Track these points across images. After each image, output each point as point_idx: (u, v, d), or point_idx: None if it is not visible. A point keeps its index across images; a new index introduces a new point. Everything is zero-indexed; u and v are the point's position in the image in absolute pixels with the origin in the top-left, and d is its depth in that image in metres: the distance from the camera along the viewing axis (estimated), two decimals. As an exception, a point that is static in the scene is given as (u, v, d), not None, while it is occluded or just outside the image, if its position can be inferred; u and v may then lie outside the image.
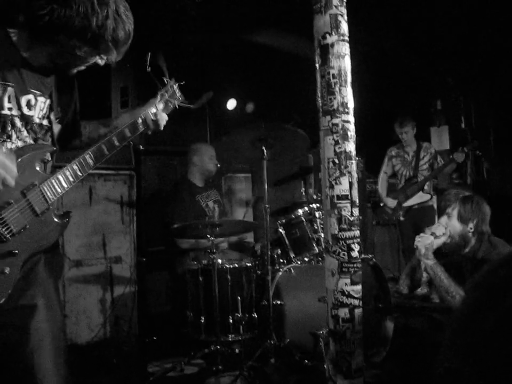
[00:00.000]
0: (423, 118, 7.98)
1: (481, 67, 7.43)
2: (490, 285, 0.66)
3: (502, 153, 7.94)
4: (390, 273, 6.98)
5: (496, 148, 8.03)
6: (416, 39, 6.67)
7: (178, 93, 2.60)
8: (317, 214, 4.23)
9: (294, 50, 6.49)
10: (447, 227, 3.37)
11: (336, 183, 2.38)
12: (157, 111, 2.46)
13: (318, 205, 4.24)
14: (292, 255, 4.30)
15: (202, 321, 3.89)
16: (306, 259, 4.27)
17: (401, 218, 6.24)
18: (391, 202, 6.20)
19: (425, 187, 6.08)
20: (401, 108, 7.49)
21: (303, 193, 4.71)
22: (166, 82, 2.60)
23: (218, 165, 4.81)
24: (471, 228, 3.30)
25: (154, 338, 4.60)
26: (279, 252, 4.32)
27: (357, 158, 6.24)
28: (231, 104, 7.22)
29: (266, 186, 3.87)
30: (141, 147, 4.83)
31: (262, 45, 6.52)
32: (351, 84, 2.53)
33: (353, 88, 2.51)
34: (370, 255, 4.12)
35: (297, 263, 4.24)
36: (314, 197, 4.50)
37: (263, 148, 3.89)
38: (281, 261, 4.29)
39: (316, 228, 4.23)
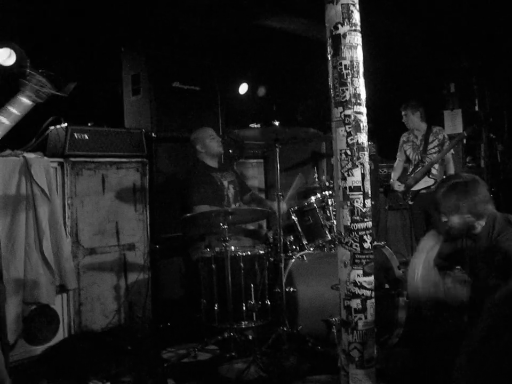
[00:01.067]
0: (436, 102, 7.92)
1: (495, 49, 7.33)
2: (503, 311, 0.67)
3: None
4: (403, 257, 6.98)
5: (510, 130, 7.95)
6: (429, 23, 6.59)
7: (43, 81, 2.65)
8: (329, 202, 4.24)
9: (307, 35, 6.44)
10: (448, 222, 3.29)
11: (348, 175, 2.38)
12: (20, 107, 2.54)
13: (331, 192, 4.24)
14: (305, 242, 4.32)
15: (216, 308, 3.91)
16: (319, 246, 4.29)
17: (410, 202, 6.23)
18: (398, 186, 6.19)
19: (434, 171, 6.03)
20: (413, 91, 7.42)
21: (316, 180, 4.70)
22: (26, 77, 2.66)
23: (222, 140, 4.77)
24: (468, 216, 3.16)
25: (169, 324, 4.64)
26: (292, 238, 4.33)
27: (370, 143, 6.25)
28: (243, 88, 7.22)
29: (278, 174, 3.86)
30: (153, 134, 4.84)
31: (274, 29, 6.48)
32: (364, 73, 2.52)
33: (366, 73, 2.50)
34: (383, 242, 4.11)
35: (309, 250, 4.26)
36: (327, 183, 4.50)
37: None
38: (294, 247, 4.31)
39: (329, 215, 4.24)
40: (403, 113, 6.24)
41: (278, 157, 3.89)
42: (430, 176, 6.02)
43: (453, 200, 3.16)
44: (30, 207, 3.82)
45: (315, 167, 4.81)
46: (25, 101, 2.53)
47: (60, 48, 5.56)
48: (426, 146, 6.11)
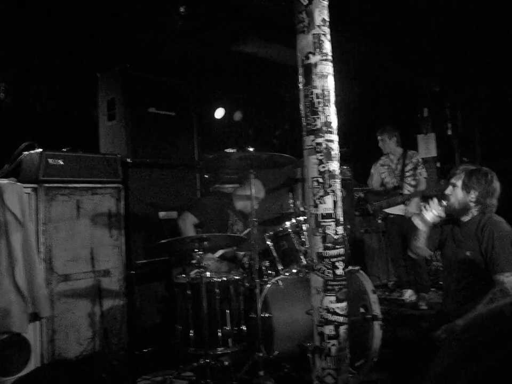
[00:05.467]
0: (410, 126, 8.06)
1: (466, 74, 7.50)
2: (466, 344, 0.68)
3: (489, 159, 8.02)
4: (379, 280, 7.02)
5: (482, 154, 8.10)
6: (401, 49, 6.72)
7: None
8: (304, 227, 4.26)
9: (283, 61, 6.53)
10: (451, 195, 3.41)
11: (320, 202, 2.40)
12: None
13: (305, 217, 4.26)
14: (280, 267, 4.33)
15: (191, 334, 3.88)
16: (294, 271, 4.30)
17: (379, 221, 6.33)
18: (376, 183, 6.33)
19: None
20: (388, 116, 7.54)
21: (291, 205, 4.73)
22: None
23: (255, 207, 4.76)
24: (472, 198, 3.33)
25: (144, 350, 4.60)
26: (267, 263, 4.34)
27: (345, 167, 6.33)
28: (219, 113, 7.26)
29: (253, 200, 3.88)
30: (128, 160, 4.83)
31: (251, 55, 6.55)
32: (339, 99, 2.56)
33: (342, 99, 2.54)
34: (357, 267, 4.14)
35: (285, 275, 4.26)
36: (302, 209, 4.52)
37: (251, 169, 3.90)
38: (269, 272, 4.31)
39: (303, 240, 4.26)
40: (379, 138, 6.35)
41: (252, 183, 3.91)
42: (406, 203, 6.10)
43: (473, 179, 3.33)
44: (2, 234, 3.77)
45: (290, 192, 4.84)
46: None
47: (35, 72, 5.56)
48: (403, 169, 6.20)
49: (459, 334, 0.72)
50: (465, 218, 3.41)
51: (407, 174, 6.20)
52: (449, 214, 3.53)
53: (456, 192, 3.39)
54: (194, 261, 3.81)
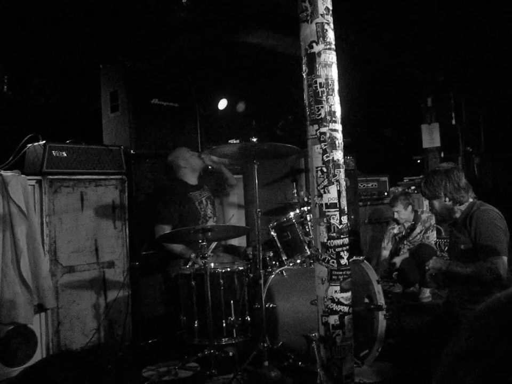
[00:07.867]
0: (414, 116, 8.03)
1: (471, 63, 7.46)
2: (476, 337, 0.67)
3: (493, 149, 8.00)
4: (384, 271, 7.00)
5: (486, 144, 8.08)
6: (405, 39, 6.68)
7: None
8: (308, 217, 4.26)
9: (286, 51, 6.50)
10: (434, 208, 3.50)
11: (324, 192, 2.40)
12: None
13: (309, 208, 4.25)
14: (284, 258, 4.33)
15: (196, 325, 3.89)
16: (298, 261, 4.30)
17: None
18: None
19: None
20: (391, 106, 7.51)
21: (295, 195, 4.72)
22: None
23: (202, 156, 4.76)
24: (447, 199, 3.39)
25: (149, 341, 4.61)
26: (271, 254, 4.34)
27: (349, 157, 6.29)
28: (222, 104, 7.25)
29: (257, 190, 3.87)
30: (132, 151, 4.82)
31: (254, 45, 6.53)
32: (342, 88, 2.55)
33: (345, 88, 2.53)
34: (362, 257, 4.13)
35: (289, 265, 4.27)
36: (306, 199, 4.51)
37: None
38: (274, 263, 4.31)
39: (308, 230, 4.26)
40: (394, 209, 6.11)
41: (256, 173, 3.89)
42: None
43: (433, 186, 3.41)
44: (7, 226, 3.79)
45: (294, 183, 4.83)
46: None
47: (38, 64, 5.55)
48: (411, 232, 6.02)
49: (472, 320, 0.71)
50: (457, 215, 3.48)
51: (417, 237, 6.01)
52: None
53: (433, 204, 3.48)
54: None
